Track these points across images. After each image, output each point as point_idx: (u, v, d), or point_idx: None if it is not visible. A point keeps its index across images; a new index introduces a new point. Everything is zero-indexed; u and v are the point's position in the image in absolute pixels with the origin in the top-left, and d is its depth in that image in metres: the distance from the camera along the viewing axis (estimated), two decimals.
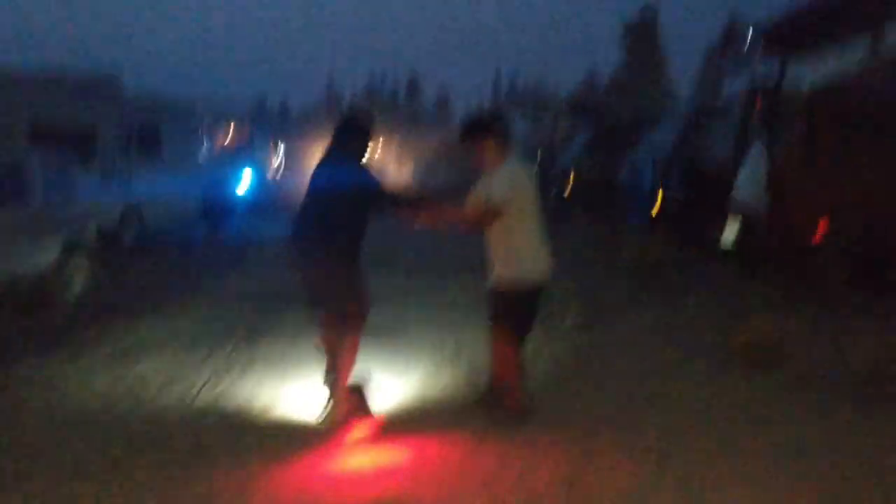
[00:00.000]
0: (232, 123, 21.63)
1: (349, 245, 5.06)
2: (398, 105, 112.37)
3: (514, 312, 4.94)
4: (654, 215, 11.93)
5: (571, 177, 18.01)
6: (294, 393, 5.80)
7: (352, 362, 5.12)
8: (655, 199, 11.94)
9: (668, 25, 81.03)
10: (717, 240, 8.66)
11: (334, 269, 5.03)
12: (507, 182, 4.77)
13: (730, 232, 8.49)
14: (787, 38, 8.49)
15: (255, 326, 8.01)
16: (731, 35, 13.94)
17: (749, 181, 7.88)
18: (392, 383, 5.88)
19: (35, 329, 8.02)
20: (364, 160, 5.20)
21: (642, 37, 78.10)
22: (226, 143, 21.76)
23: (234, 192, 20.30)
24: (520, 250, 4.85)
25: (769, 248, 8.24)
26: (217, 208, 19.32)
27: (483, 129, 4.92)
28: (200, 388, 5.96)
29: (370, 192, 5.00)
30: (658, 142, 13.14)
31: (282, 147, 30.81)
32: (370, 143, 5.22)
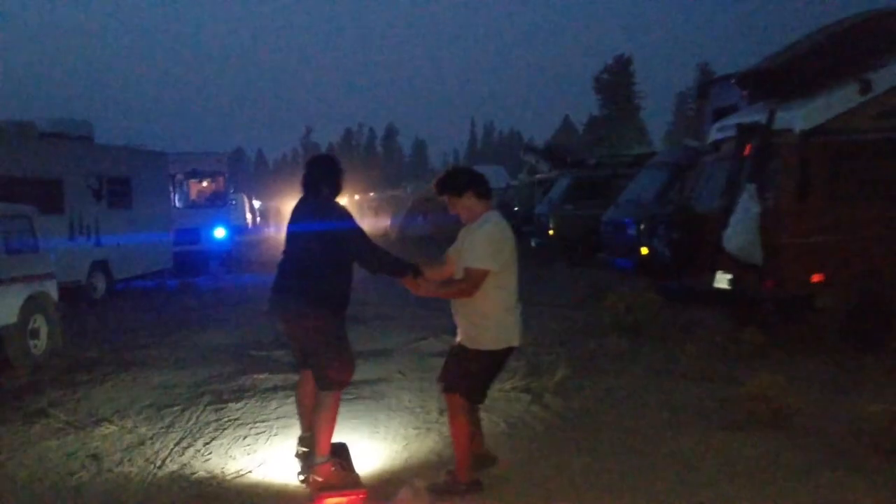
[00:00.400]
0: (207, 173, 21.27)
1: (329, 295, 4.75)
2: (376, 153, 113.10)
3: (479, 377, 4.59)
4: (640, 261, 11.67)
5: (552, 223, 17.77)
6: (270, 457, 5.37)
7: (330, 426, 4.75)
8: (640, 245, 11.70)
9: (642, 72, 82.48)
10: (708, 288, 8.36)
11: (313, 322, 4.73)
12: (488, 243, 4.42)
13: (720, 280, 8.20)
14: (772, 83, 8.29)
15: (227, 383, 7.58)
16: (706, 83, 13.96)
17: (741, 227, 7.61)
18: (373, 447, 5.47)
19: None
20: (336, 202, 4.96)
21: (616, 84, 79.50)
22: (200, 193, 21.39)
23: (208, 242, 19.90)
24: (500, 312, 4.48)
25: (762, 297, 7.96)
26: (190, 258, 18.93)
27: (462, 182, 4.63)
28: (168, 454, 5.51)
29: (346, 236, 4.73)
30: (640, 187, 12.96)
31: (255, 198, 30.43)
32: (340, 184, 4.96)
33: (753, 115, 8.43)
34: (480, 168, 28.75)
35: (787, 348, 7.80)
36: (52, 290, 9.28)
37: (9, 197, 10.07)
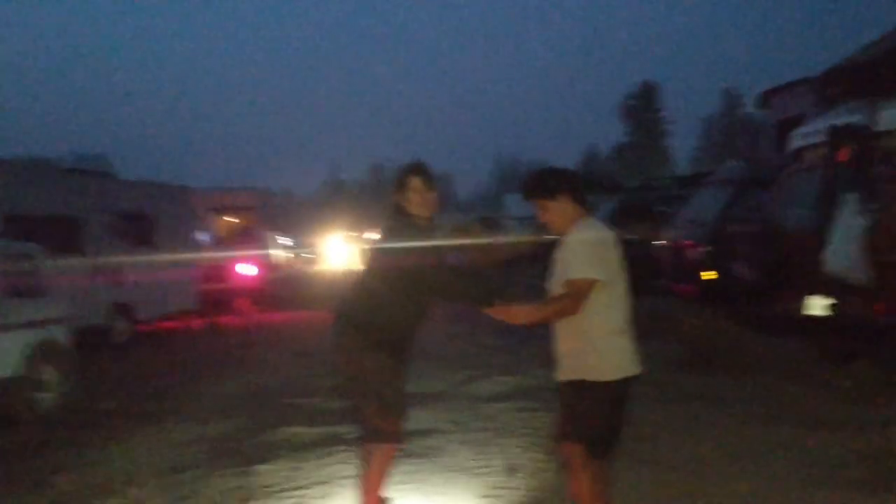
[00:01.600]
0: (237, 208, 20.52)
1: (393, 334, 4.28)
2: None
3: (592, 417, 3.67)
4: (705, 285, 10.59)
5: None
6: None
7: (373, 486, 4.25)
8: (706, 268, 10.63)
9: (667, 97, 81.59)
10: (802, 314, 7.29)
11: (368, 360, 4.25)
12: (590, 249, 3.68)
13: (817, 305, 7.13)
14: (868, 78, 7.26)
15: (256, 437, 6.59)
16: (768, 91, 12.87)
17: (844, 245, 6.56)
18: None
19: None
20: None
21: (642, 110, 78.78)
22: (230, 229, 20.62)
23: (237, 280, 19.03)
24: (609, 333, 3.69)
25: (871, 323, 6.84)
26: (218, 297, 18.06)
27: (557, 182, 3.84)
28: None
29: (427, 274, 4.17)
30: (700, 206, 11.90)
31: (286, 236, 29.82)
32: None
33: (841, 118, 7.41)
34: (512, 196, 28.28)
35: None
36: (62, 336, 8.39)
37: (25, 236, 9.28)
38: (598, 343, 3.65)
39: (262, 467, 5.74)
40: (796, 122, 11.62)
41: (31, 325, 7.82)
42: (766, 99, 12.95)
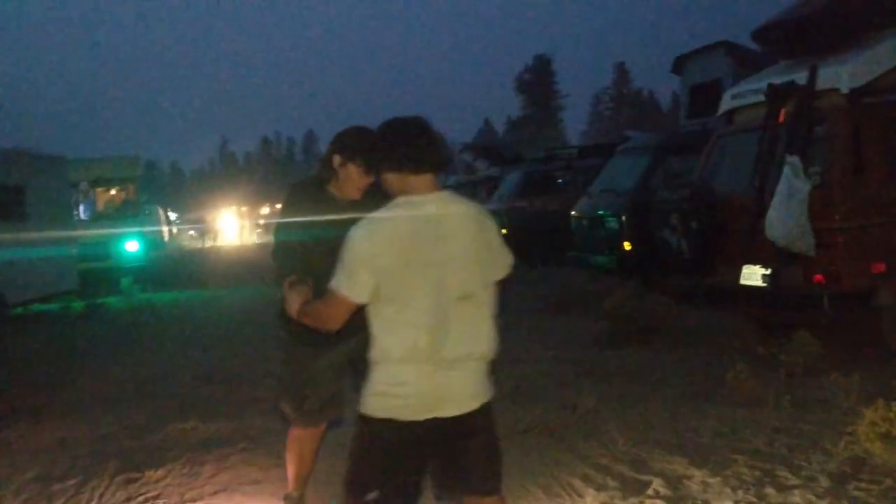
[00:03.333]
0: (116, 180, 19.07)
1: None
2: (295, 162, 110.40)
3: (354, 461, 2.77)
4: (624, 256, 10.22)
5: (505, 222, 16.24)
6: None
7: (293, 472, 3.97)
8: (623, 239, 10.25)
9: (562, 72, 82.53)
10: (736, 286, 6.90)
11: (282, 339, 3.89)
12: (347, 254, 2.65)
13: (755, 274, 6.75)
14: (806, 34, 6.88)
15: (143, 438, 5.69)
16: (681, 57, 12.51)
17: (785, 211, 6.15)
18: None
19: None
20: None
21: (537, 84, 79.44)
22: (108, 203, 19.15)
23: (119, 258, 17.65)
24: (389, 359, 2.67)
25: (809, 294, 6.48)
26: (99, 276, 16.70)
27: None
28: None
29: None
30: (614, 175, 11.51)
31: (173, 210, 28.23)
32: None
33: (781, 76, 7.01)
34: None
35: (849, 361, 6.27)
36: None
37: None
38: (385, 368, 2.68)
39: (151, 473, 4.88)
40: (710, 86, 11.37)
41: None
42: (679, 64, 12.67)
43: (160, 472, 4.88)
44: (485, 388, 2.77)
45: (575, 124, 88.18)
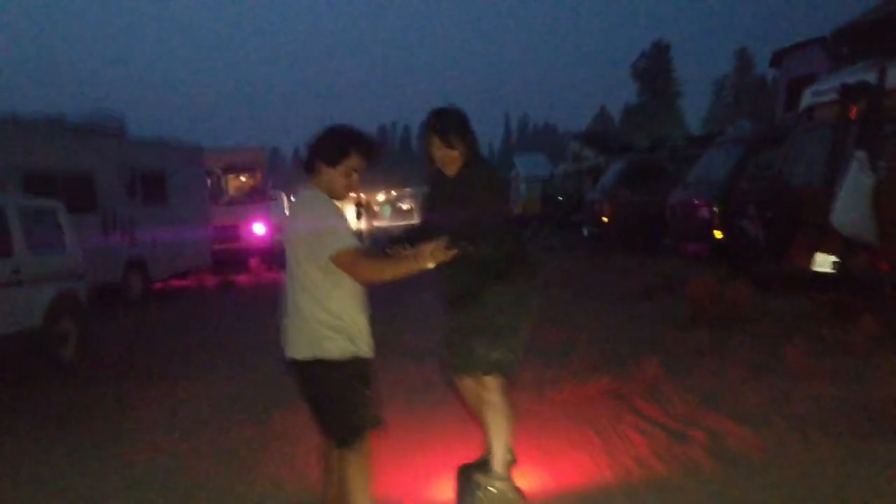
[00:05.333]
0: (245, 168, 20.58)
1: None
2: (411, 150, 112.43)
3: None
4: (716, 243, 10.67)
5: (607, 210, 16.79)
6: None
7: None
8: (716, 228, 10.71)
9: (679, 59, 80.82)
10: (808, 272, 7.37)
11: None
12: None
13: (825, 261, 7.22)
14: (879, 37, 7.26)
15: (269, 395, 6.65)
16: (780, 52, 12.79)
17: (851, 202, 6.62)
18: None
19: (24, 399, 6.96)
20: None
21: (654, 71, 78.09)
22: (238, 189, 20.72)
23: (248, 239, 19.19)
24: None
25: (875, 280, 6.93)
26: (230, 256, 18.23)
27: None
28: (213, 469, 4.71)
29: None
30: (710, 166, 11.94)
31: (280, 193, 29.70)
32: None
33: (857, 76, 7.42)
34: (521, 157, 28.12)
35: None
36: (81, 290, 8.57)
37: (40, 193, 9.42)
38: None
39: (277, 415, 5.88)
40: (807, 81, 11.60)
41: (52, 278, 7.99)
42: (777, 59, 12.89)
43: (283, 417, 5.84)
44: (311, 346, 3.39)
45: (698, 111, 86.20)
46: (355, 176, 3.52)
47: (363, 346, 3.44)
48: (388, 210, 70.88)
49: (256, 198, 20.03)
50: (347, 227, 3.42)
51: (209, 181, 18.90)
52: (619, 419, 5.30)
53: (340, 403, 3.44)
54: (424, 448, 4.95)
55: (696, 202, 11.42)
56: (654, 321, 8.67)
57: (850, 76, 7.49)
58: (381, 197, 74.90)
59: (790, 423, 5.01)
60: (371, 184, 74.59)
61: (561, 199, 24.76)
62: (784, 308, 8.29)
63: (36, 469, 5.10)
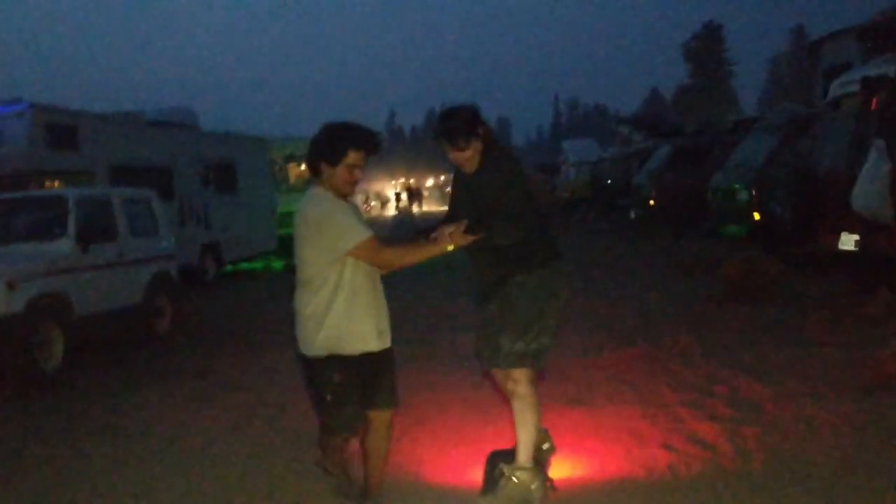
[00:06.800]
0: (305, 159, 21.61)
1: None
2: None
3: None
4: (753, 225, 11.29)
5: (653, 193, 17.40)
6: None
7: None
8: (753, 210, 11.32)
9: (732, 38, 79.89)
10: (834, 251, 8.02)
11: None
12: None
13: (848, 241, 7.86)
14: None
15: None
16: (817, 41, 13.29)
17: (869, 185, 7.25)
18: None
19: (130, 361, 8.05)
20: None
21: (706, 51, 77.27)
22: (299, 177, 21.78)
23: None
24: None
25: (892, 257, 7.56)
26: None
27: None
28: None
29: None
30: (749, 151, 12.53)
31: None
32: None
33: (880, 68, 8.02)
34: (570, 141, 28.56)
35: None
36: (173, 270, 9.62)
37: (127, 185, 10.49)
38: None
39: None
40: (841, 70, 12.11)
41: (149, 259, 9.04)
42: (815, 48, 13.37)
43: None
44: (301, 340, 3.78)
45: (753, 91, 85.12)
46: (358, 171, 3.68)
47: (346, 345, 3.67)
48: (435, 195, 71.96)
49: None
50: (357, 220, 3.66)
51: (278, 169, 19.98)
52: (652, 378, 6.09)
53: (316, 399, 3.93)
54: (460, 433, 5.19)
55: (735, 186, 12.03)
56: (691, 296, 9.40)
57: (875, 69, 8.09)
58: (430, 182, 75.83)
59: (802, 381, 5.75)
60: (421, 169, 75.68)
61: (609, 182, 25.31)
62: (811, 284, 8.96)
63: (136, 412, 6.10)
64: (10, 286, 6.82)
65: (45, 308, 7.27)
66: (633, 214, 19.56)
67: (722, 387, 5.71)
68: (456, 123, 3.82)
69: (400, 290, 8.90)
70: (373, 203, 45.50)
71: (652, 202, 17.58)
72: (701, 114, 53.82)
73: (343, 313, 3.62)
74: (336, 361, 3.66)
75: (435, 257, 3.78)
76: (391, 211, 51.04)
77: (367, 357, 3.70)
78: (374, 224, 21.56)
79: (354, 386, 3.70)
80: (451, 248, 3.66)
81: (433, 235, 3.76)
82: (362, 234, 3.59)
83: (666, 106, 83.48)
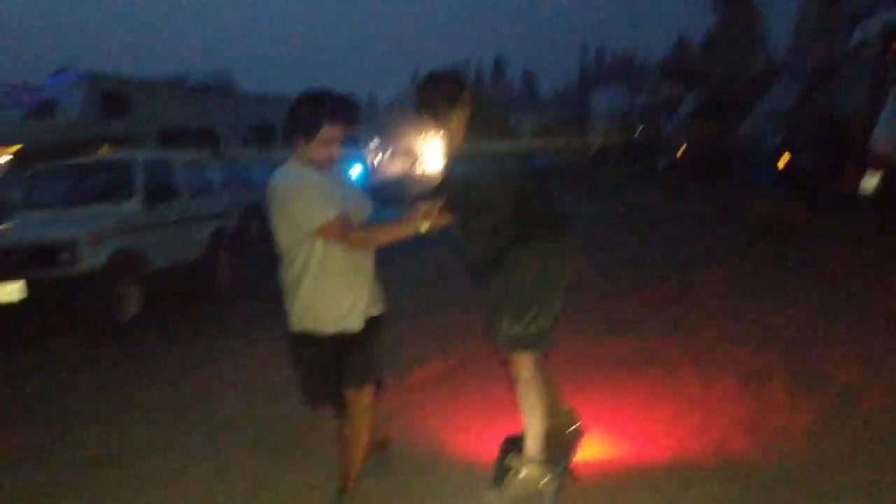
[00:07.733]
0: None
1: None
2: (485, 88, 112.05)
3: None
4: (779, 172, 11.64)
5: (681, 142, 17.66)
6: None
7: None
8: (779, 157, 11.65)
9: None
10: (855, 192, 8.40)
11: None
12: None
13: (869, 183, 8.23)
14: None
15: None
16: None
17: (888, 128, 7.63)
18: None
19: (198, 316, 8.68)
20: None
21: None
22: None
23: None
24: None
25: None
26: None
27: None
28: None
29: None
30: (776, 98, 12.82)
31: (377, 140, 31.07)
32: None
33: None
34: (598, 91, 28.47)
35: None
36: (229, 226, 10.25)
37: (171, 147, 11.07)
38: None
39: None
40: (869, 14, 12.31)
41: (209, 217, 9.68)
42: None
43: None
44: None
45: (783, 37, 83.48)
46: (335, 146, 3.42)
47: (315, 325, 3.44)
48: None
49: (351, 144, 21.55)
50: (324, 199, 3.32)
51: None
52: (685, 310, 6.64)
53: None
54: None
55: (762, 133, 12.35)
56: (720, 240, 9.86)
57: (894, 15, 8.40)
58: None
59: (821, 308, 6.32)
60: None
61: (639, 132, 25.47)
62: (834, 226, 9.39)
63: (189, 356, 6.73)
64: (94, 242, 7.49)
65: (123, 263, 7.92)
66: (662, 163, 19.83)
67: (751, 312, 6.34)
68: (433, 95, 3.55)
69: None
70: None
71: (680, 151, 17.85)
72: (732, 59, 53.14)
73: (311, 292, 3.41)
74: (305, 338, 3.50)
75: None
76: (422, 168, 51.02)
77: (342, 336, 3.45)
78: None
79: (323, 364, 3.51)
80: (423, 229, 3.34)
81: (407, 213, 3.43)
82: (326, 215, 3.30)
83: (693, 54, 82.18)
